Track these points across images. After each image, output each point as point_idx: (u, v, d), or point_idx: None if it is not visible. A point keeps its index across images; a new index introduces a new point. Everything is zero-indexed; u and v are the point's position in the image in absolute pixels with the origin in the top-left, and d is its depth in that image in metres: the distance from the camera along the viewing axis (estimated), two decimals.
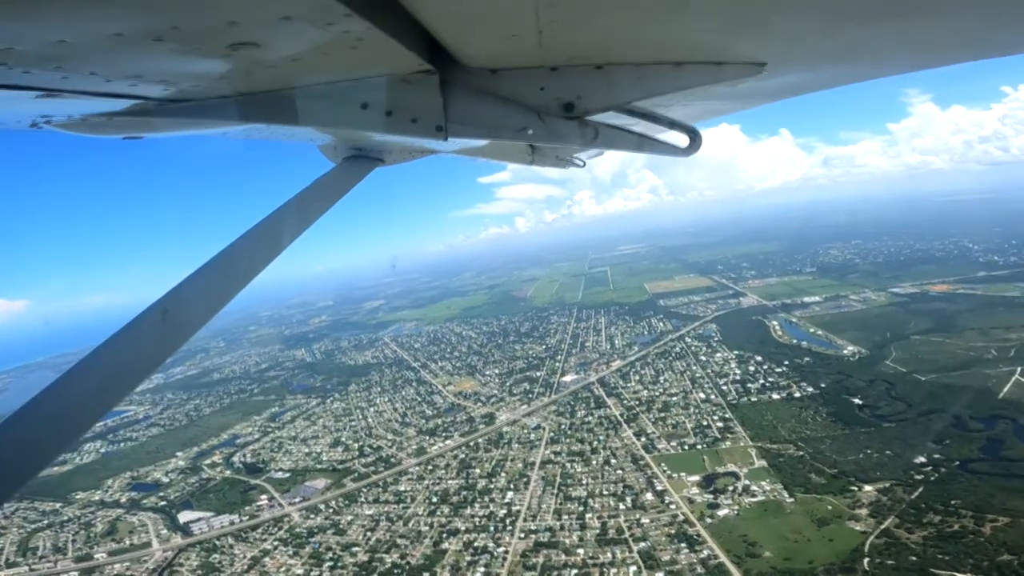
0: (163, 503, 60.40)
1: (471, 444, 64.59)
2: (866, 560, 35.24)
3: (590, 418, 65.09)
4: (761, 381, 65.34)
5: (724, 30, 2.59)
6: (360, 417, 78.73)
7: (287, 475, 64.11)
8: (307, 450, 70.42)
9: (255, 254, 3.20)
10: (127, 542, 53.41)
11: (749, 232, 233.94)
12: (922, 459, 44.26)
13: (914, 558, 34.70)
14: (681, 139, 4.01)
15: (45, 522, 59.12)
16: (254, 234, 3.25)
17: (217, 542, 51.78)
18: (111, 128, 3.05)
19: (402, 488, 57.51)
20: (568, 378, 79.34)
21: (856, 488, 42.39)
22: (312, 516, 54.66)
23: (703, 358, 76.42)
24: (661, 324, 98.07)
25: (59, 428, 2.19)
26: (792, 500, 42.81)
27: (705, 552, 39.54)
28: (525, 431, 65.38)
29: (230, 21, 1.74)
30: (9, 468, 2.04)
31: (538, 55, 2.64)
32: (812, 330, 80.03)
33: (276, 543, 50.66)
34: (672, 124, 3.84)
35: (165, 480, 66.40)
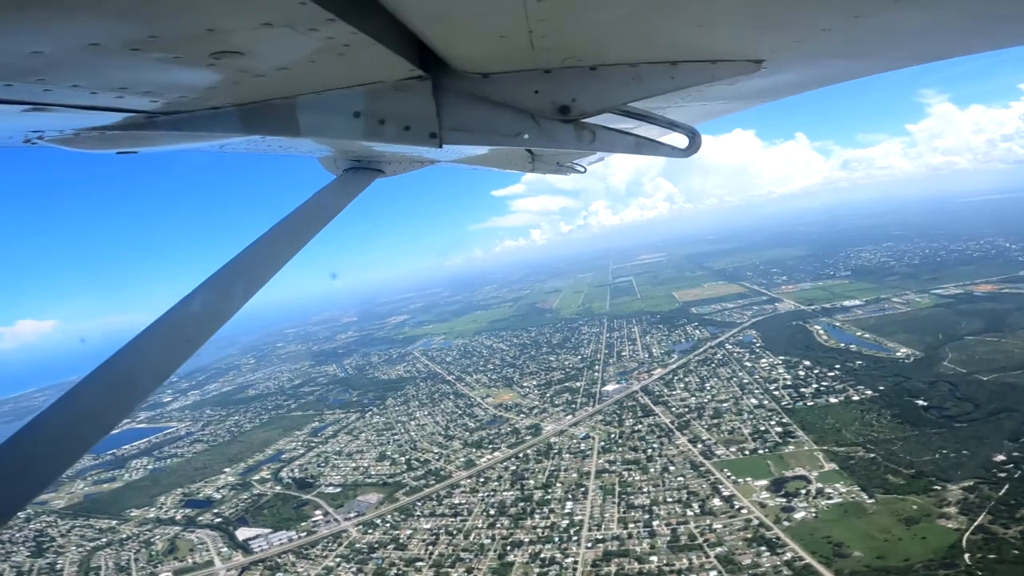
0: (218, 520, 60.38)
1: (520, 455, 64.08)
2: (967, 556, 34.40)
3: (640, 426, 64.25)
4: (815, 385, 64.26)
5: (719, 27, 2.56)
6: (402, 431, 78.56)
7: (338, 490, 63.92)
8: (354, 464, 70.28)
9: (259, 266, 3.17)
10: (190, 560, 53.26)
11: (772, 237, 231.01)
12: (1002, 457, 43.22)
13: (1016, 552, 33.82)
14: (680, 140, 3.95)
15: (104, 540, 59.29)
16: (258, 247, 3.25)
17: (279, 559, 51.57)
18: (105, 143, 3.00)
19: (457, 501, 57.02)
20: (610, 387, 78.56)
21: (940, 487, 41.42)
22: (370, 531, 54.31)
23: (748, 364, 75.40)
24: (697, 332, 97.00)
25: (66, 442, 2.16)
26: (872, 501, 41.87)
27: (788, 554, 38.71)
28: (574, 441, 64.78)
29: (208, 29, 1.69)
30: (16, 481, 1.98)
31: (530, 57, 2.61)
32: (859, 333, 78.59)
33: (338, 559, 50.26)
34: (671, 125, 3.82)
35: (217, 496, 66.43)
